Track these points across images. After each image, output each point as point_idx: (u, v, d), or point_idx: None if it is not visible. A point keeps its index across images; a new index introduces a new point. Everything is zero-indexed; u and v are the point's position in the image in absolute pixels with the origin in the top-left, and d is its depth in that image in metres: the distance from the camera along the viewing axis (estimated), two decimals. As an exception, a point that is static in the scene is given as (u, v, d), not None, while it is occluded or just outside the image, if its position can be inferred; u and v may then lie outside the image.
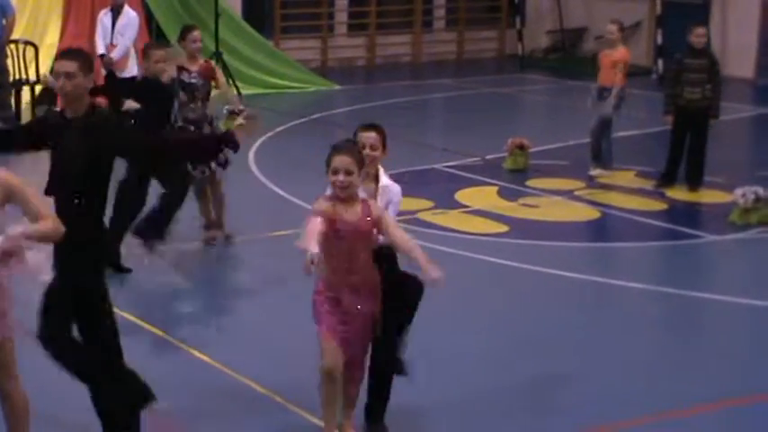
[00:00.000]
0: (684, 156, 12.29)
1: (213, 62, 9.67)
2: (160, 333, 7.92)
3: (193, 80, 9.67)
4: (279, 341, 7.67)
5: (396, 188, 6.28)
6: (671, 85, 12.34)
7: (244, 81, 18.94)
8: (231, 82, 18.64)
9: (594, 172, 12.82)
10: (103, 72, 14.60)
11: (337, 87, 20.13)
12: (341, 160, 5.72)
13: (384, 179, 6.23)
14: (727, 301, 8.94)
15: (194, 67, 9.75)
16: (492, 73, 22.58)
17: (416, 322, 7.66)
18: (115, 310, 5.93)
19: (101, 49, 14.03)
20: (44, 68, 16.88)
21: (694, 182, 12.21)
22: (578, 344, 7.94)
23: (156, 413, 6.50)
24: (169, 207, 9.24)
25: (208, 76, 9.84)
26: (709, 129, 12.16)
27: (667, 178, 12.32)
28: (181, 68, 9.71)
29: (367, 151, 6.03)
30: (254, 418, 6.60)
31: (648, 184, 12.64)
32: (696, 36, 12.02)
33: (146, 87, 9.60)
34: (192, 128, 9.60)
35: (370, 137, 6.14)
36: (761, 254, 10.46)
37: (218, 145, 6.12)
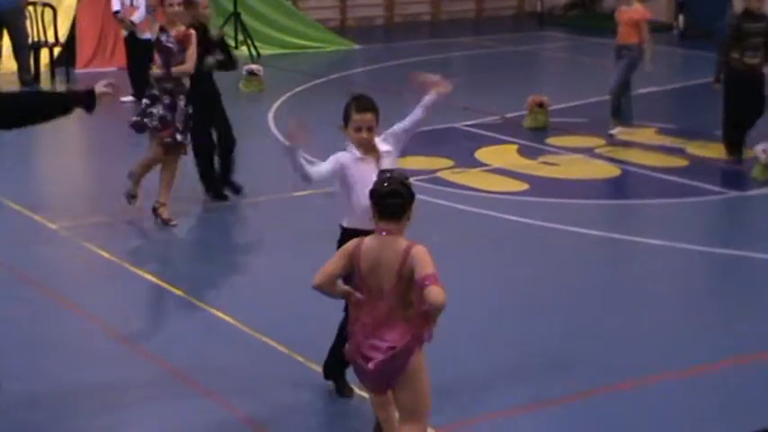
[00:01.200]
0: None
1: (193, 33, 9.45)
2: (181, 293, 7.96)
3: (170, 44, 9.42)
4: (295, 300, 7.71)
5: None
6: (726, 50, 11.69)
7: (262, 41, 18.89)
8: (250, 42, 18.62)
9: (614, 130, 12.73)
10: (124, 33, 14.62)
11: (356, 47, 20.05)
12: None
13: (383, 146, 6.00)
14: (748, 256, 8.91)
15: (173, 32, 9.44)
16: (511, 31, 22.46)
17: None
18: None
19: (116, 6, 14.13)
20: (63, 30, 16.92)
21: (739, 144, 11.88)
22: (599, 301, 7.94)
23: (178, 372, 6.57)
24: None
25: (184, 43, 9.45)
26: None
27: (737, 147, 11.78)
28: (162, 29, 9.51)
29: (364, 135, 5.85)
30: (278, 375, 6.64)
31: (668, 141, 12.55)
32: (756, 0, 11.73)
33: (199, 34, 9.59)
34: (158, 90, 9.42)
35: (367, 119, 5.88)
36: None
37: (71, 102, 5.93)
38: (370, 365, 4.96)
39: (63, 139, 14.09)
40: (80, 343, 7.21)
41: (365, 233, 5.23)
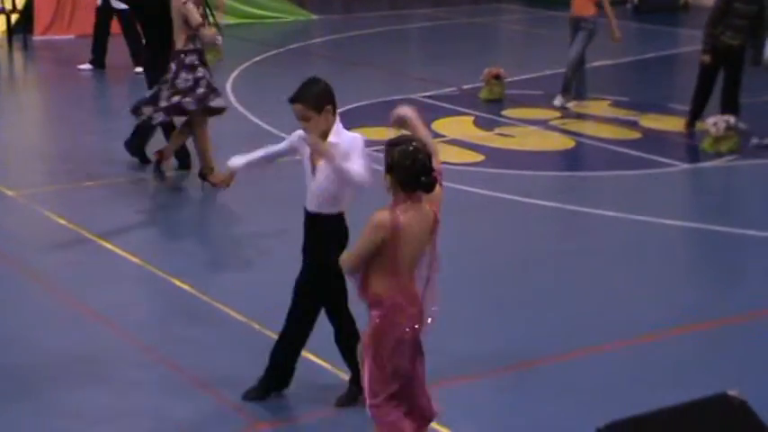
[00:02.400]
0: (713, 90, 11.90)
1: None
2: (136, 260, 7.91)
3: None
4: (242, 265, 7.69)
5: (348, 139, 5.64)
6: (712, 24, 11.60)
7: (224, 10, 18.71)
8: (209, 11, 18.42)
9: (570, 104, 12.70)
10: (98, 1, 14.47)
11: (315, 17, 19.94)
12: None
13: (332, 137, 5.57)
14: (699, 228, 8.98)
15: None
16: (469, 3, 22.41)
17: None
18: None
19: None
20: (20, -3, 16.70)
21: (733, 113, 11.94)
22: (552, 270, 7.96)
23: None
24: None
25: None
26: (742, 70, 11.71)
27: (697, 115, 11.86)
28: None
29: (302, 125, 5.56)
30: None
31: (621, 113, 12.60)
32: None
33: None
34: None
35: (295, 110, 5.55)
36: (731, 181, 10.51)
37: None
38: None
39: (21, 107, 13.92)
40: (36, 307, 7.16)
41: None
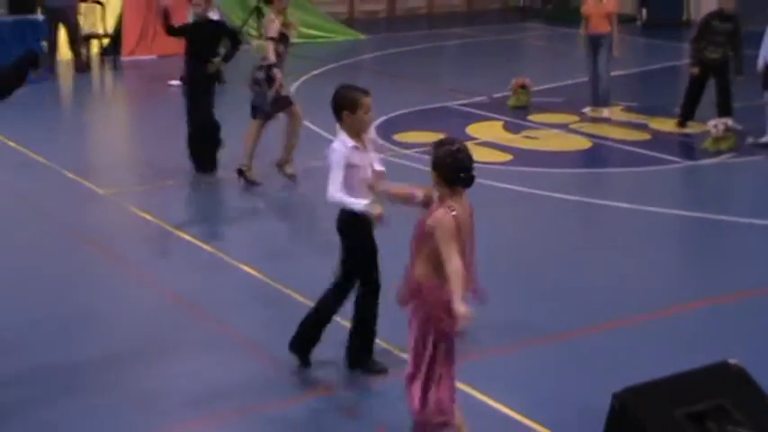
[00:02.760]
0: (704, 97, 11.82)
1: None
2: (212, 249, 7.94)
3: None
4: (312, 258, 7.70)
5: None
6: (696, 40, 11.67)
7: (282, 32, 18.76)
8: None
9: (606, 112, 12.49)
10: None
11: (362, 36, 19.92)
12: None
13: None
14: (701, 217, 8.88)
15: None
16: (497, 22, 22.31)
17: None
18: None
19: None
20: (110, 23, 16.84)
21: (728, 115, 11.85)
22: (574, 254, 7.91)
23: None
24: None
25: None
26: (729, 78, 11.59)
27: (686, 117, 11.86)
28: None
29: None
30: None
31: (632, 117, 12.48)
32: (727, 1, 11.53)
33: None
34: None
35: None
36: (731, 176, 10.39)
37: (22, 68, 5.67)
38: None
39: (112, 115, 14.07)
40: (121, 288, 7.22)
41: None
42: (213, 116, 9.80)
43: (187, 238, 8.23)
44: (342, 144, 5.49)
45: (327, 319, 5.81)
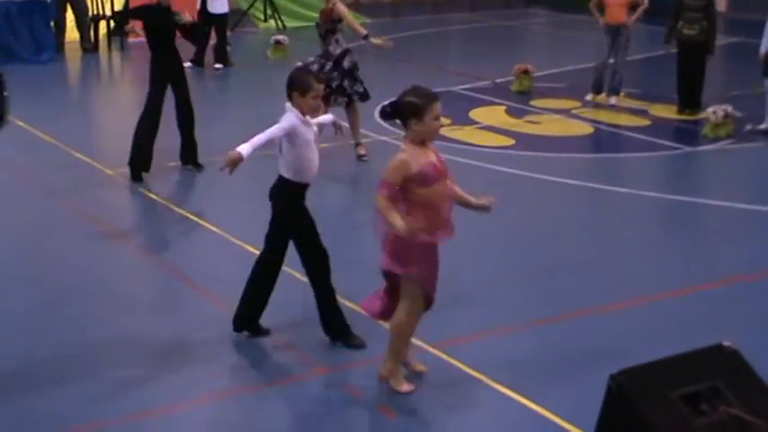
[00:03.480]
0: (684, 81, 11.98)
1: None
2: (214, 228, 7.98)
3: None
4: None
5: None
6: (674, 19, 11.84)
7: (287, 15, 18.80)
8: (277, 15, 18.48)
9: (614, 100, 12.48)
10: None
11: (368, 21, 19.89)
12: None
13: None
14: (699, 202, 8.92)
15: None
16: (501, 8, 22.28)
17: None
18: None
19: None
20: (118, 4, 16.83)
21: (689, 104, 11.92)
22: (574, 239, 7.95)
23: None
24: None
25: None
26: (705, 60, 11.76)
27: (686, 105, 11.90)
28: None
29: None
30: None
31: (634, 103, 12.50)
32: None
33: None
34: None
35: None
36: (729, 162, 10.40)
37: None
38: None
39: (119, 96, 14.10)
40: (126, 265, 7.28)
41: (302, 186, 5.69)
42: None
43: (192, 218, 8.27)
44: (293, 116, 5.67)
45: (266, 289, 6.00)
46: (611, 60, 12.42)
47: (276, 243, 5.92)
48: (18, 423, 5.05)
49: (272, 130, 5.59)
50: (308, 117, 5.72)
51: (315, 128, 5.84)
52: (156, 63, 9.45)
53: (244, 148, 5.46)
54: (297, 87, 5.65)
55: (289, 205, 5.81)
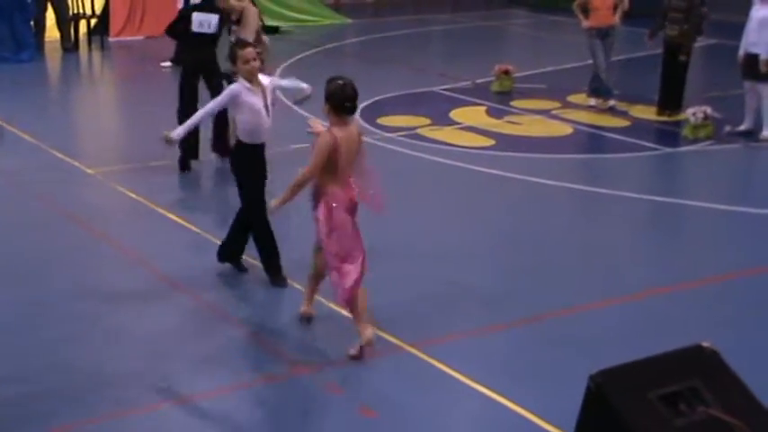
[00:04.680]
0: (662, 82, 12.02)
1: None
2: (194, 228, 7.94)
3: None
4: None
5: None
6: (661, 17, 11.87)
7: (268, 14, 18.71)
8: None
9: (612, 102, 12.37)
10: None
11: (349, 21, 19.88)
12: None
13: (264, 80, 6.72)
14: (679, 203, 8.94)
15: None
16: (482, 8, 22.29)
17: (407, 223, 7.72)
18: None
19: None
20: (98, 3, 16.73)
21: (669, 105, 11.95)
22: (555, 238, 7.95)
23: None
24: None
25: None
26: (683, 63, 11.72)
27: (666, 107, 11.90)
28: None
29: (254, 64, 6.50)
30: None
31: (617, 105, 12.49)
32: None
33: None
34: None
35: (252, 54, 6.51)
36: (708, 163, 10.43)
37: None
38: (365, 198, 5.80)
39: (99, 95, 14.01)
40: (104, 262, 7.22)
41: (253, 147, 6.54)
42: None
43: (172, 217, 8.22)
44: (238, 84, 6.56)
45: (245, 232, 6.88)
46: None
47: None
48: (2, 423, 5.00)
49: (211, 105, 6.61)
50: (254, 84, 6.50)
51: (267, 93, 6.58)
52: (187, 55, 9.61)
53: (177, 133, 6.61)
54: (232, 59, 6.56)
55: (240, 163, 6.60)
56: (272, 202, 5.91)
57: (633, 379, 4.07)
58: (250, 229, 6.80)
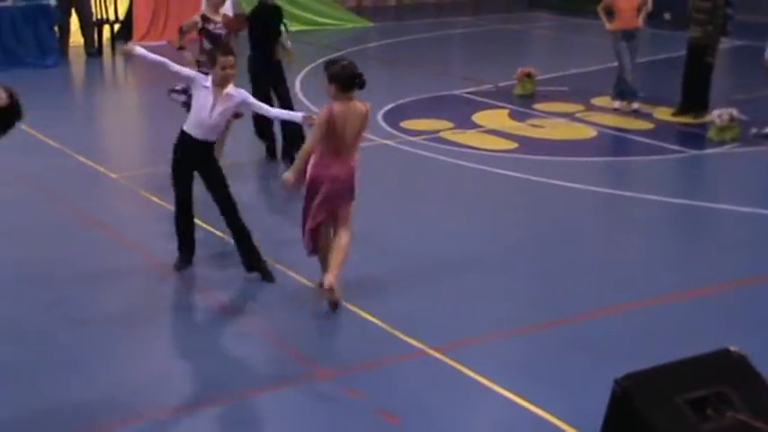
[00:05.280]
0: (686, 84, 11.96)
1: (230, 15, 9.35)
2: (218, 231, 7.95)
3: (219, 30, 9.05)
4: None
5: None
6: (687, 23, 11.84)
7: (290, 18, 18.74)
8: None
9: (637, 105, 12.28)
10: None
11: (371, 24, 19.89)
12: None
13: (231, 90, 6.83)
14: (704, 206, 8.87)
15: (218, 18, 9.09)
16: (504, 11, 22.25)
17: (431, 227, 7.71)
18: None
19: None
20: (122, 9, 16.83)
21: (693, 107, 11.88)
22: (579, 242, 7.91)
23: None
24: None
25: (230, 25, 9.20)
26: (708, 64, 11.64)
27: (686, 105, 11.87)
28: (206, 18, 9.09)
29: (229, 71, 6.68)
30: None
31: (641, 107, 12.41)
32: None
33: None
34: None
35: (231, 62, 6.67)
36: (735, 166, 10.36)
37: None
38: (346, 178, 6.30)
39: (123, 100, 14.08)
40: (130, 268, 7.23)
41: (192, 138, 6.76)
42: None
43: (197, 222, 8.23)
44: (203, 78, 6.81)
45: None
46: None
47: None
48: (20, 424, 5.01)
49: (185, 69, 6.90)
50: (219, 88, 6.67)
51: (229, 102, 6.72)
52: (257, 61, 9.63)
53: (143, 51, 6.83)
54: (211, 60, 6.73)
55: (174, 149, 6.89)
56: (286, 174, 6.25)
57: (660, 383, 4.04)
58: (233, 230, 7.00)
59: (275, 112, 7.15)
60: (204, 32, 9.13)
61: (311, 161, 6.29)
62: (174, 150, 6.95)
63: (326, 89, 6.28)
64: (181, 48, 9.24)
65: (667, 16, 12.72)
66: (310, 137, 6.30)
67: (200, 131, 6.79)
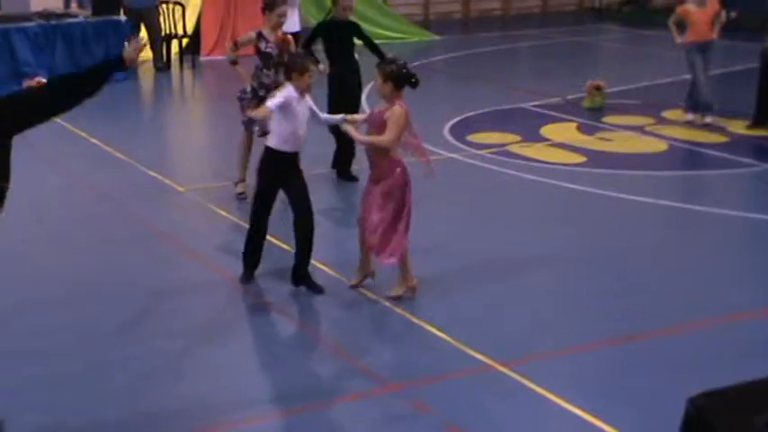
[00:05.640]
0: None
1: (290, 37, 9.27)
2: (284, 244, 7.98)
3: (269, 50, 8.96)
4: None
5: None
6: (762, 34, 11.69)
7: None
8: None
9: (710, 119, 12.06)
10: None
11: (437, 38, 19.89)
12: None
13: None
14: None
15: (272, 38, 8.98)
16: (572, 24, 22.10)
17: (500, 240, 7.66)
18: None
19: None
20: (190, 24, 17.08)
21: (765, 120, 11.65)
22: (651, 257, 7.78)
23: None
24: None
25: (283, 48, 8.98)
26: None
27: (766, 119, 11.66)
28: (260, 36, 9.01)
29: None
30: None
31: (714, 121, 12.18)
32: None
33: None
34: (264, 92, 8.77)
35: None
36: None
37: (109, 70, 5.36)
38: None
39: (191, 114, 14.26)
40: (199, 282, 7.28)
41: (284, 154, 6.78)
42: None
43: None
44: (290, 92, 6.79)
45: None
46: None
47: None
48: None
49: (278, 98, 6.68)
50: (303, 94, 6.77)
51: (308, 105, 6.85)
52: (335, 75, 9.79)
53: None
54: (299, 69, 6.76)
55: (260, 167, 6.92)
56: (352, 117, 6.87)
57: (737, 403, 3.92)
58: (302, 233, 7.03)
59: (323, 117, 7.15)
60: (256, 50, 9.10)
61: (394, 163, 6.52)
62: (262, 170, 6.93)
63: (379, 87, 6.54)
64: (233, 62, 9.13)
65: (733, 14, 12.49)
66: (389, 134, 6.46)
67: (293, 145, 6.82)
